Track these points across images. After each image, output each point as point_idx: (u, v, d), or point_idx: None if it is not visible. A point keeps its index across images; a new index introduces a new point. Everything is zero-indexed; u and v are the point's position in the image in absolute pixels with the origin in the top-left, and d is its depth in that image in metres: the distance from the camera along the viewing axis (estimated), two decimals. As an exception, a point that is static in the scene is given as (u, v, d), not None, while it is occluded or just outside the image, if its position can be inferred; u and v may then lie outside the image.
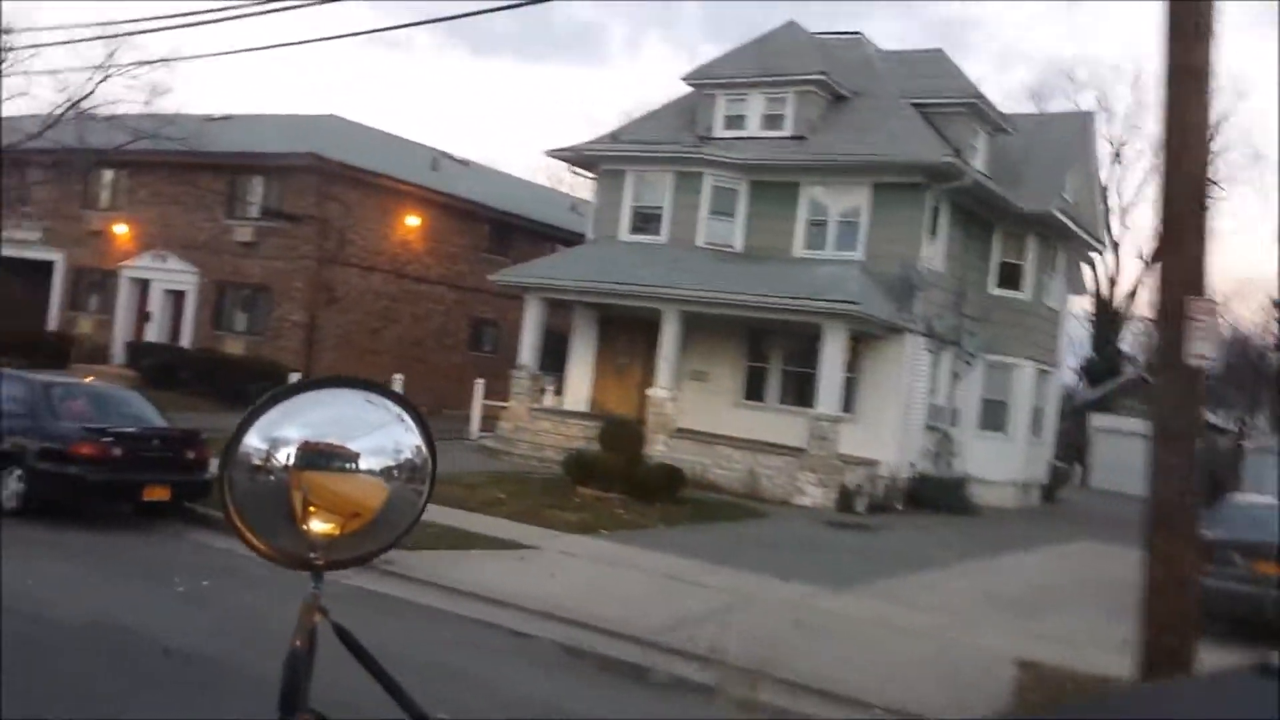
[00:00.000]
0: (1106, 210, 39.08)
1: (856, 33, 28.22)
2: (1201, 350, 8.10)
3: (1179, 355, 8.11)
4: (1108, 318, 50.97)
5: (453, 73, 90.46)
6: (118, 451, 12.98)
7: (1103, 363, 49.02)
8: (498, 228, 33.25)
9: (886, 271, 22.88)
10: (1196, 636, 8.20)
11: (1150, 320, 51.68)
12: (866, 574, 14.07)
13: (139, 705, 6.78)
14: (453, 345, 32.56)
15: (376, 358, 29.00)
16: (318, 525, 1.47)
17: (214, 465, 11.61)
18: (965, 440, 25.66)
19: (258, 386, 19.79)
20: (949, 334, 24.82)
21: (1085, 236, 28.33)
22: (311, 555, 1.48)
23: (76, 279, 33.35)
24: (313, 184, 28.44)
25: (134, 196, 32.02)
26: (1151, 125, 51.08)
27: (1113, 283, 51.45)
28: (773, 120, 25.18)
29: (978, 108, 25.49)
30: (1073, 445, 39.41)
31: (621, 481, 18.11)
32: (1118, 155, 50.47)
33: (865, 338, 22.84)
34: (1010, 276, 26.57)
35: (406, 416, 1.56)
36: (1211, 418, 40.99)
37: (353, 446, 1.49)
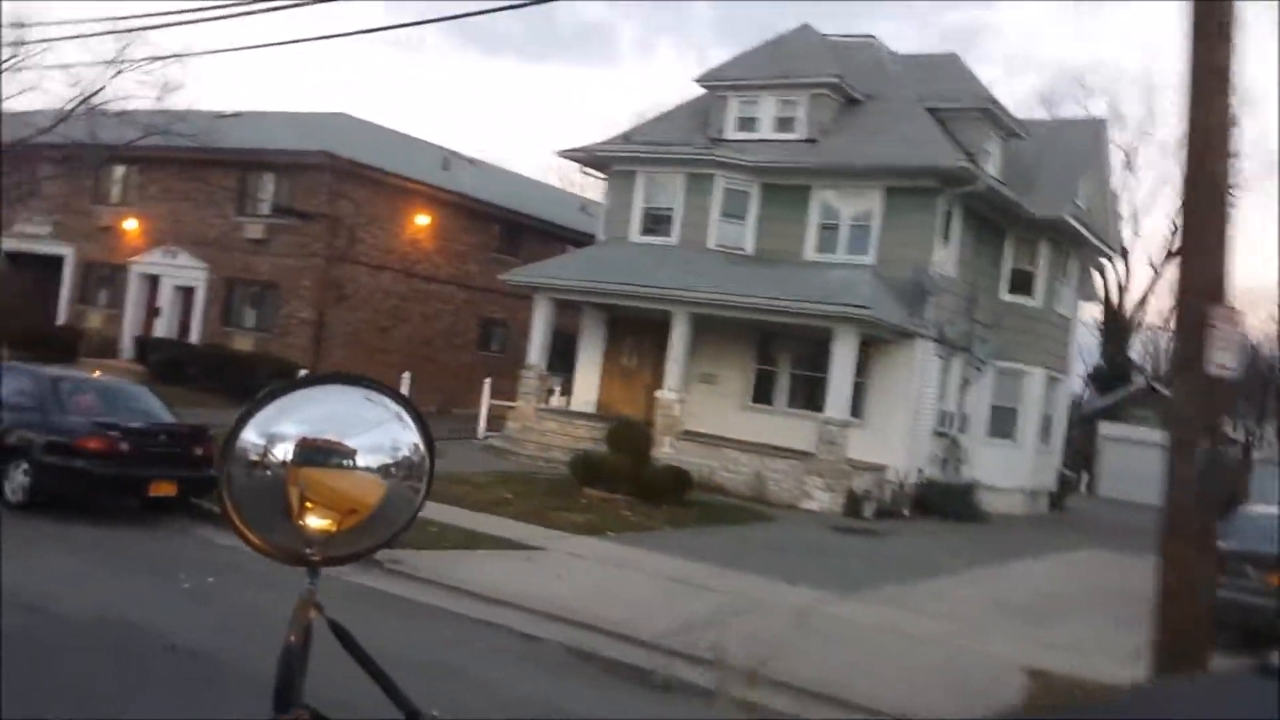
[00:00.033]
0: (1119, 217, 38.89)
1: (869, 36, 28.22)
2: (1223, 360, 7.94)
3: (1198, 363, 7.95)
4: (1117, 325, 50.80)
5: (464, 73, 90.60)
6: (125, 446, 12.97)
7: (1111, 371, 48.86)
8: (508, 228, 33.27)
9: (898, 276, 22.80)
10: (1210, 642, 8.12)
11: (1160, 328, 51.89)
12: (874, 579, 14.00)
13: (142, 701, 6.76)
14: (462, 345, 32.56)
15: (385, 356, 28.98)
16: (314, 521, 1.47)
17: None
18: (974, 447, 25.56)
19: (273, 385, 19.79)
20: (960, 340, 24.71)
21: (1097, 243, 28.21)
22: (308, 551, 1.48)
23: (86, 274, 33.43)
24: (323, 182, 28.46)
25: (144, 192, 32.10)
26: (1163, 133, 51.14)
27: (1123, 290, 51.36)
28: (785, 123, 25.12)
29: (991, 112, 25.40)
30: (1081, 453, 39.28)
31: (628, 483, 18.04)
32: (1129, 162, 50.36)
33: (875, 342, 22.75)
34: (1022, 282, 26.47)
35: (405, 414, 1.56)
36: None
37: (350, 443, 1.49)
